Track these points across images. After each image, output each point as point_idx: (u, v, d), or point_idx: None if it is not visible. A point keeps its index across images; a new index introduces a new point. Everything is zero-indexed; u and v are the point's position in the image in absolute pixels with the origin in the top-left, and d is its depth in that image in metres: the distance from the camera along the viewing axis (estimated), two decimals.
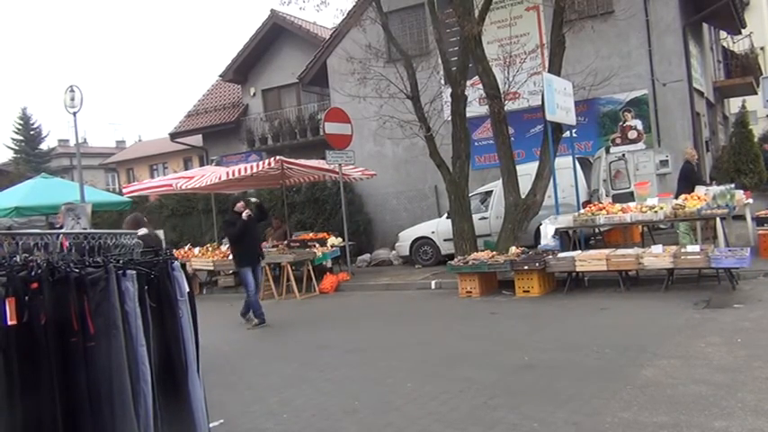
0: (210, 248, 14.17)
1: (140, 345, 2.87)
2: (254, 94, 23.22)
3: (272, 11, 21.49)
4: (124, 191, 16.35)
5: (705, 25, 17.86)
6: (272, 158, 13.50)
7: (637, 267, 8.77)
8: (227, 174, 13.71)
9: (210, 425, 3.50)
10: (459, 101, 11.84)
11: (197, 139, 25.48)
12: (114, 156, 41.11)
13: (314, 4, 21.67)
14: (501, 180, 11.82)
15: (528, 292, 9.30)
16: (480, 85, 12.08)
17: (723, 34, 21.60)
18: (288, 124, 22.24)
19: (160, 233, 14.61)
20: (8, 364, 2.49)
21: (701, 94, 16.20)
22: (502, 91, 11.71)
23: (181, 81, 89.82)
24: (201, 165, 25.35)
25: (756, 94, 19.98)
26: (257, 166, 13.56)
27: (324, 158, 14.03)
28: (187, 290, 3.32)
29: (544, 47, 14.41)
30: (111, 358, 2.72)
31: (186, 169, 27.89)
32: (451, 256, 11.62)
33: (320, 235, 13.73)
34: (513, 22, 14.95)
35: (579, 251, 9.71)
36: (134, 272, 2.92)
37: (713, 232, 9.69)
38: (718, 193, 9.28)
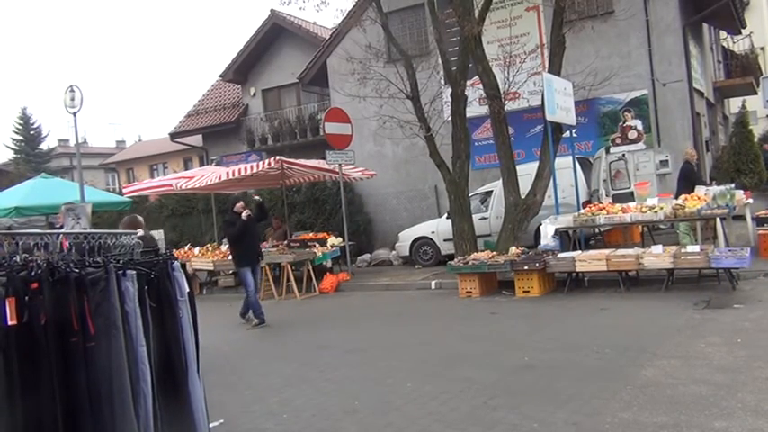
0: (210, 248, 14.17)
1: (140, 345, 2.87)
2: (254, 94, 23.22)
3: (272, 11, 21.50)
4: (124, 191, 16.36)
5: (705, 25, 17.86)
6: (272, 158, 13.50)
7: (637, 267, 8.77)
8: (227, 174, 13.71)
9: (210, 425, 3.50)
10: (459, 101, 11.85)
11: (197, 140, 25.48)
12: (114, 156, 41.12)
13: (314, 4, 21.71)
14: (501, 180, 11.81)
15: (528, 292, 9.30)
16: (480, 85, 12.08)
17: (723, 34, 21.60)
18: (288, 124, 22.24)
19: (160, 233, 14.68)
20: (8, 364, 2.50)
21: (701, 94, 16.20)
22: (502, 91, 11.71)
23: (181, 81, 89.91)
24: (201, 165, 25.35)
25: (756, 94, 19.98)
26: (257, 166, 13.56)
27: (324, 158, 14.03)
28: (187, 290, 3.32)
29: (544, 47, 14.41)
30: (111, 358, 2.72)
31: (186, 169, 27.90)
32: (451, 257, 11.62)
33: (320, 235, 13.73)
34: (513, 22, 14.95)
35: (579, 251, 9.71)
36: (134, 272, 2.92)
37: (713, 232, 9.69)
38: (718, 193, 9.28)
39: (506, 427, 4.22)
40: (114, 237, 3.19)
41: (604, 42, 14.29)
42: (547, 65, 12.81)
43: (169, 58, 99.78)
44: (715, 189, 9.86)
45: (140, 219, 6.77)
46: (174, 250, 11.41)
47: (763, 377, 4.64)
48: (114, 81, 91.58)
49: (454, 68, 12.00)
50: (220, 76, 23.50)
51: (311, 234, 14.15)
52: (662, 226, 11.53)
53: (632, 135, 14.52)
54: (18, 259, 2.71)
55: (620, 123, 14.64)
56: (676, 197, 10.25)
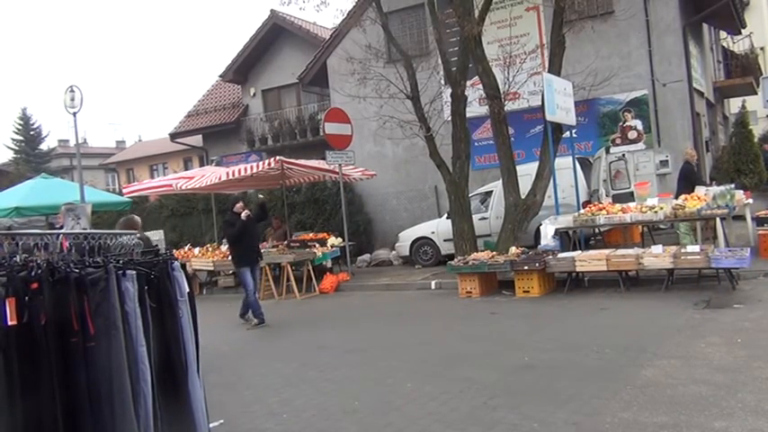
0: (210, 249, 14.17)
1: (140, 345, 2.87)
2: (254, 95, 23.22)
3: (272, 11, 21.50)
4: (124, 191, 16.36)
5: (705, 25, 17.86)
6: (272, 159, 13.50)
7: (637, 267, 8.77)
8: (227, 174, 13.72)
9: (210, 425, 3.50)
10: (459, 101, 11.85)
11: (197, 140, 25.48)
12: (114, 156, 41.12)
13: (314, 5, 21.66)
14: (501, 180, 11.81)
15: (528, 292, 9.30)
16: (480, 86, 12.08)
17: (723, 34, 21.60)
18: (288, 124, 22.24)
19: (160, 233, 14.69)
20: (8, 364, 2.50)
21: (701, 94, 16.20)
22: (502, 91, 11.71)
23: (181, 81, 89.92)
24: (201, 165, 25.35)
25: (756, 94, 19.98)
26: (257, 166, 13.56)
27: (324, 159, 14.03)
28: (187, 290, 3.32)
29: (544, 47, 14.41)
30: (111, 358, 2.72)
31: (186, 169, 27.92)
32: (451, 257, 11.62)
33: (320, 235, 13.73)
34: (513, 22, 14.96)
35: (579, 251, 9.71)
36: (134, 272, 2.92)
37: (713, 232, 9.69)
38: (718, 193, 9.28)
39: (506, 427, 4.22)
40: (114, 237, 3.20)
41: (604, 42, 14.29)
42: (547, 65, 12.81)
43: (169, 58, 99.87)
44: (715, 189, 9.86)
45: (137, 219, 6.73)
46: (174, 250, 11.40)
47: (763, 377, 4.64)
48: (114, 81, 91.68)
49: (454, 68, 12.00)
50: (220, 76, 23.51)
51: (311, 234, 14.16)
52: (662, 226, 11.53)
53: (632, 135, 14.52)
54: (18, 259, 2.71)
55: (620, 123, 14.64)
56: (676, 197, 10.25)
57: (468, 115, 12.27)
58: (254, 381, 6.19)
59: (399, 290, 11.67)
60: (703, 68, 17.00)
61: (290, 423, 4.82)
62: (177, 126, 25.14)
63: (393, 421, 4.58)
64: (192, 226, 18.73)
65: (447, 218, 12.95)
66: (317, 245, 12.95)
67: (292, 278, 11.99)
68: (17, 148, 39.12)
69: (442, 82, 14.50)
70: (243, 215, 9.26)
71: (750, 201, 10.76)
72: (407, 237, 14.40)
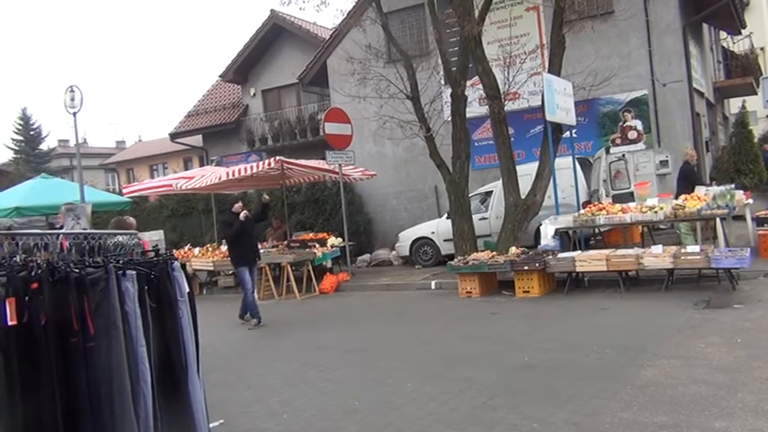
0: (210, 249, 14.17)
1: (140, 345, 2.88)
2: (254, 95, 23.22)
3: (272, 11, 21.50)
4: (124, 191, 16.35)
5: (705, 25, 17.86)
6: (272, 159, 13.50)
7: (637, 268, 8.77)
8: (227, 174, 13.71)
9: (210, 425, 3.50)
10: (459, 101, 11.85)
11: (197, 140, 25.48)
12: (114, 156, 41.12)
13: (314, 5, 21.70)
14: (501, 180, 11.81)
15: (528, 292, 9.30)
16: (480, 86, 12.08)
17: (723, 34, 21.60)
18: (288, 124, 22.24)
19: (160, 233, 14.69)
20: (8, 364, 2.50)
21: (701, 94, 16.20)
22: (502, 91, 11.71)
23: (181, 81, 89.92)
24: (201, 165, 25.35)
25: (756, 94, 19.99)
26: (257, 166, 13.56)
27: (324, 159, 14.03)
28: (187, 290, 3.32)
29: (544, 47, 14.41)
30: (111, 358, 2.72)
31: (186, 169, 27.91)
32: (451, 257, 11.61)
33: (320, 235, 13.73)
34: (513, 22, 14.96)
35: (579, 251, 9.71)
36: (134, 272, 2.92)
37: (713, 232, 9.69)
38: (718, 193, 9.28)
39: (506, 427, 4.22)
40: (113, 237, 3.20)
41: (604, 42, 14.29)
42: (547, 65, 12.81)
43: (169, 58, 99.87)
44: (715, 189, 9.86)
45: (130, 220, 6.67)
46: (174, 250, 11.39)
47: (763, 377, 4.64)
48: (114, 81, 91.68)
49: (454, 69, 12.00)
50: (220, 76, 23.51)
51: (311, 234, 14.15)
52: (662, 226, 11.53)
53: (632, 135, 14.52)
54: (18, 259, 2.71)
55: (620, 123, 14.64)
56: (676, 197, 10.25)
57: (468, 115, 12.27)
58: (254, 381, 6.19)
59: (399, 290, 11.67)
60: (703, 68, 17.01)
61: (290, 423, 4.82)
62: (177, 126, 25.14)
63: (393, 421, 4.58)
64: (192, 226, 18.73)
65: (447, 218, 12.95)
66: (317, 245, 12.95)
67: (292, 278, 11.98)
68: (17, 148, 39.13)
69: (442, 82, 14.50)
70: (241, 215, 9.27)
71: (750, 201, 10.76)
72: (407, 237, 14.40)
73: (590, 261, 8.92)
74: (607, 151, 12.96)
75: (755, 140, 17.29)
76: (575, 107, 11.78)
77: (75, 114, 12.69)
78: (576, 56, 13.48)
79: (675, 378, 4.82)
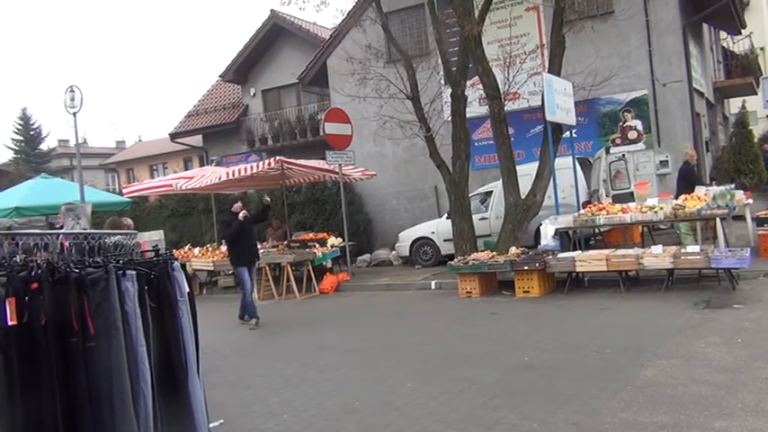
0: (210, 249, 14.17)
1: (140, 345, 2.88)
2: (254, 95, 23.22)
3: (272, 11, 21.50)
4: (124, 191, 16.35)
5: (705, 25, 17.86)
6: (272, 159, 13.50)
7: (637, 268, 8.77)
8: (227, 174, 13.71)
9: (210, 425, 3.50)
10: (459, 101, 11.84)
11: (197, 140, 25.49)
12: (114, 156, 41.13)
13: (314, 5, 21.68)
14: (501, 180, 11.81)
15: (528, 292, 9.30)
16: (480, 86, 12.08)
17: (723, 34, 21.60)
18: (288, 124, 22.24)
19: (160, 233, 14.68)
20: (8, 364, 2.50)
21: (701, 94, 16.20)
22: (502, 91, 11.71)
23: (181, 81, 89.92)
24: (201, 165, 25.35)
25: (756, 94, 19.99)
26: (257, 166, 13.56)
27: (324, 158, 14.03)
28: (187, 290, 3.32)
29: (544, 47, 14.41)
30: (111, 358, 2.73)
31: (186, 169, 27.92)
32: (451, 257, 11.61)
33: (320, 235, 13.73)
34: (513, 22, 14.96)
35: (579, 251, 9.71)
36: (134, 272, 2.92)
37: (713, 232, 9.69)
38: (718, 193, 9.28)
39: (506, 427, 4.22)
40: (114, 237, 3.20)
41: (604, 42, 14.29)
42: (547, 65, 12.81)
43: (169, 58, 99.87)
44: (715, 189, 9.86)
45: (127, 221, 6.65)
46: (174, 250, 11.40)
47: (763, 377, 4.64)
48: (114, 81, 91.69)
49: (454, 69, 12.00)
50: (220, 76, 23.51)
51: (311, 234, 14.15)
52: (662, 226, 11.53)
53: (632, 135, 14.52)
54: (18, 259, 2.71)
55: (620, 123, 14.64)
56: (676, 197, 10.25)
57: (468, 115, 12.27)
58: (254, 381, 6.19)
59: (399, 290, 11.67)
60: (703, 68, 17.00)
61: (290, 423, 4.82)
62: (177, 126, 25.14)
63: (393, 421, 4.58)
64: (192, 226, 18.73)
65: (447, 218, 12.95)
66: (317, 245, 12.95)
67: (292, 278, 11.98)
68: (17, 148, 39.14)
69: (442, 82, 14.50)
70: (240, 215, 9.27)
71: (750, 201, 10.76)
72: (407, 237, 14.40)
73: (590, 261, 8.92)
74: (607, 151, 12.96)
75: (755, 140, 17.29)
76: (575, 107, 11.77)
77: (75, 114, 12.69)
78: (576, 56, 13.48)
79: (675, 378, 4.82)
